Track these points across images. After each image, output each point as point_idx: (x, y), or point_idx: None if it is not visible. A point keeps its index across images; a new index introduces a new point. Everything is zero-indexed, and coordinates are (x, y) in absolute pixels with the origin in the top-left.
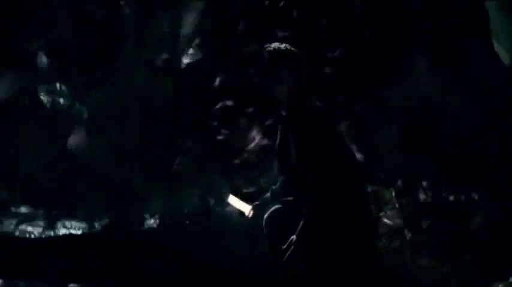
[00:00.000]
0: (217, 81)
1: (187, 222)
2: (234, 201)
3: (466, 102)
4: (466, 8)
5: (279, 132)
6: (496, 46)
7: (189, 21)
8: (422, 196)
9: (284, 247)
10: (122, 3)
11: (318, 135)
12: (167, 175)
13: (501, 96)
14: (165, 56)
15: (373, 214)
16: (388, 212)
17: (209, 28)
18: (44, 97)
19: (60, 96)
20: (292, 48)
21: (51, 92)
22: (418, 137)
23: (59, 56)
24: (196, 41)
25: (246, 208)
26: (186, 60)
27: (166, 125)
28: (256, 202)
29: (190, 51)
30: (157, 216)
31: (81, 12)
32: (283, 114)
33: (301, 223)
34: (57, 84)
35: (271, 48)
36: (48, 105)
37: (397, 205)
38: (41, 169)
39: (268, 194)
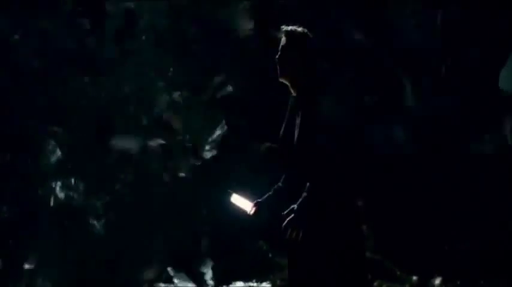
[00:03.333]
0: None
1: None
2: (237, 200)
3: None
4: None
5: (285, 121)
6: None
7: None
8: None
9: (285, 213)
10: None
11: (323, 116)
12: None
13: None
14: None
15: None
16: None
17: None
18: None
19: None
20: (308, 33)
21: None
22: None
23: None
24: None
25: (248, 206)
26: None
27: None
28: (258, 200)
29: None
30: None
31: None
32: (293, 94)
33: (303, 195)
34: None
35: (288, 29)
36: None
37: None
38: None
39: (271, 193)
